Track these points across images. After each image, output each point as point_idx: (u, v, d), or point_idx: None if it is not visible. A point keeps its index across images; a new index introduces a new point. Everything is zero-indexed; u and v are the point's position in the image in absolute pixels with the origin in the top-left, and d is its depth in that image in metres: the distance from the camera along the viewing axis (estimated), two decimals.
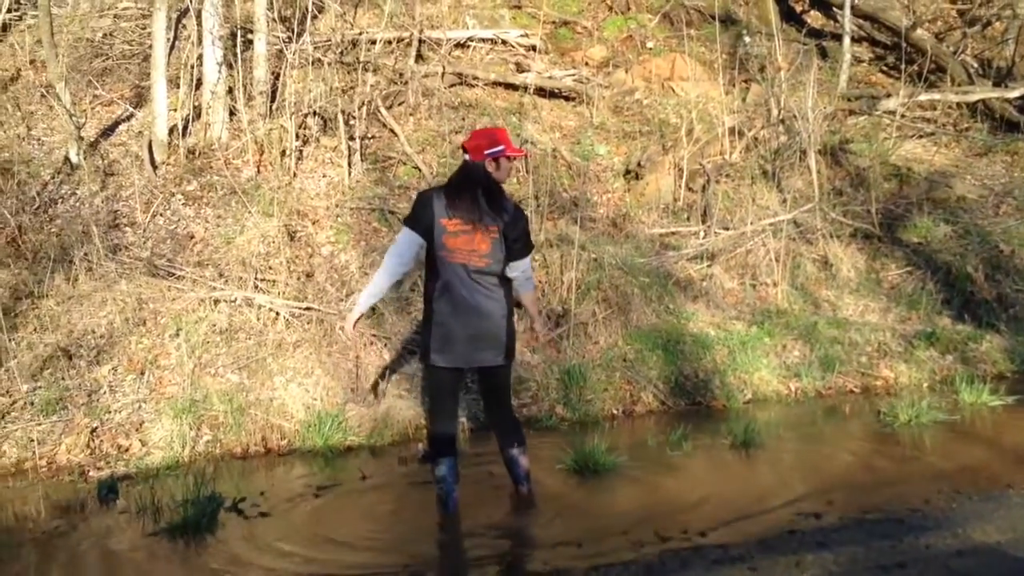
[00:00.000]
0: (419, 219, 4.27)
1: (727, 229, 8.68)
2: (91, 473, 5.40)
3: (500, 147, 4.29)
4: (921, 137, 10.64)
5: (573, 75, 10.87)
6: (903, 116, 10.54)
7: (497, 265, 4.34)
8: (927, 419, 6.11)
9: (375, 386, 6.37)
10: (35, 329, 6.30)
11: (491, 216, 4.29)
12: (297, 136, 8.49)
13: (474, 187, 4.29)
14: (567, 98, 10.70)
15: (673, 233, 8.84)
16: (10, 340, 6.07)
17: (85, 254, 6.80)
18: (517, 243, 4.39)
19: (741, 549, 3.95)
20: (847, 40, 11.33)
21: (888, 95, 10.97)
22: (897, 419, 6.15)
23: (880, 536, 4.09)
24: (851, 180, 9.82)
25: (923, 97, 10.72)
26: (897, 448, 5.67)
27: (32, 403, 5.80)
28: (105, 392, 5.96)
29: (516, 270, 4.46)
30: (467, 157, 4.34)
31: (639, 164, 9.42)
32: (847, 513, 4.41)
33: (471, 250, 4.25)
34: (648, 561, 3.85)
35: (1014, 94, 10.76)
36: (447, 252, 4.24)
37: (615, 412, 6.70)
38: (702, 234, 8.75)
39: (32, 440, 5.56)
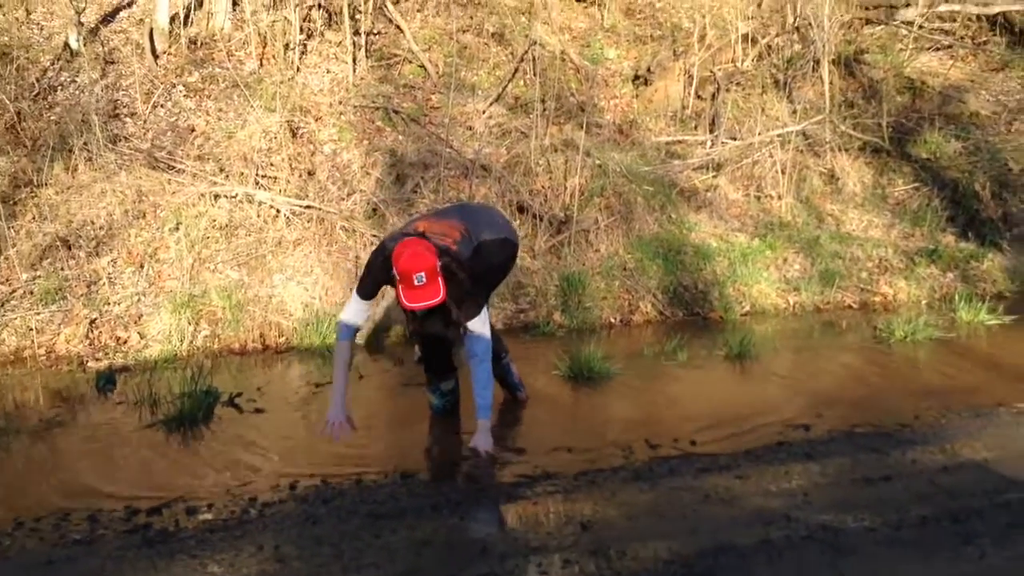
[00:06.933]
0: None
1: (734, 139, 8.56)
2: (89, 364, 5.46)
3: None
4: (938, 50, 10.40)
5: None
6: (921, 27, 10.28)
7: None
8: (923, 336, 6.13)
9: None
10: (34, 218, 6.27)
11: None
12: (301, 29, 8.31)
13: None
14: None
15: (680, 142, 8.73)
16: (9, 228, 6.06)
17: (85, 143, 6.73)
18: None
19: (729, 458, 4.00)
20: None
21: (907, 4, 10.66)
22: (893, 335, 6.18)
23: (867, 449, 4.13)
24: (863, 92, 9.65)
25: (943, 8, 10.41)
26: (890, 364, 5.69)
27: (31, 292, 5.83)
28: (104, 284, 5.97)
29: None
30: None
31: (648, 69, 9.24)
32: (836, 426, 4.45)
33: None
34: (637, 467, 3.90)
35: None
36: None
37: (612, 321, 6.72)
38: (709, 144, 8.64)
39: (31, 329, 5.60)
